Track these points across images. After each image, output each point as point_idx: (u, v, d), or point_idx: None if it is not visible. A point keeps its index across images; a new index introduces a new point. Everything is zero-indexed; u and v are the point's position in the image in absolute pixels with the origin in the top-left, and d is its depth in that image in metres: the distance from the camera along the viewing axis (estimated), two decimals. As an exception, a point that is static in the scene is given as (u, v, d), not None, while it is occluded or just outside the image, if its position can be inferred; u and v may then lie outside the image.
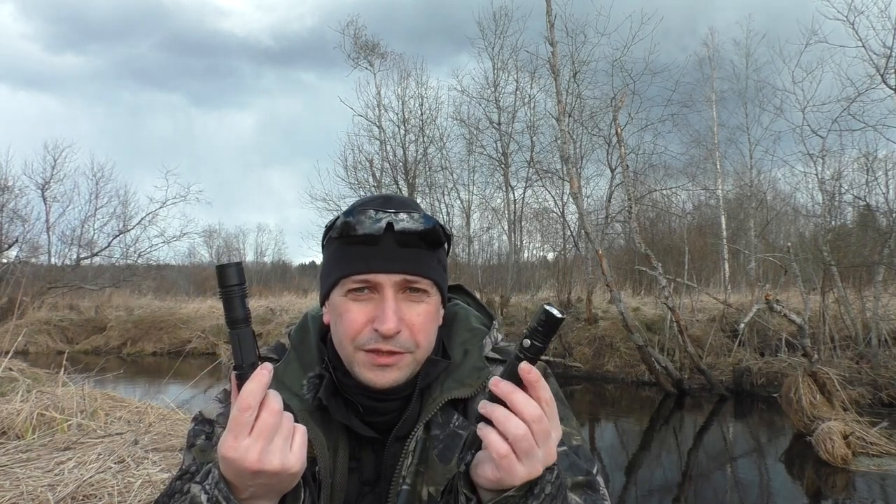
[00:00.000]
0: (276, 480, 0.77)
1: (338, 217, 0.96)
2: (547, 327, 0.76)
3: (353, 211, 0.95)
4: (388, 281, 0.93)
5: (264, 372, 0.76)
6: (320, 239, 1.04)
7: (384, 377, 0.94)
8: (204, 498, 0.78)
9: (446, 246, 1.02)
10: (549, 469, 0.79)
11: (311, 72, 62.49)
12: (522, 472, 0.75)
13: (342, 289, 0.95)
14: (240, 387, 0.76)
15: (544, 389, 0.76)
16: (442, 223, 0.98)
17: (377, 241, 0.92)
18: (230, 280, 0.78)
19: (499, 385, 0.76)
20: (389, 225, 0.92)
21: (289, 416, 0.79)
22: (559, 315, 0.75)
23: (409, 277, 0.94)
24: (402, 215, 0.93)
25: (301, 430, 0.80)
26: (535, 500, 0.78)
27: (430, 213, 0.98)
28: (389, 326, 0.91)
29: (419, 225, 0.93)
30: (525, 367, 0.75)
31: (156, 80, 65.58)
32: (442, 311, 1.04)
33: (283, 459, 0.75)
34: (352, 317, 0.94)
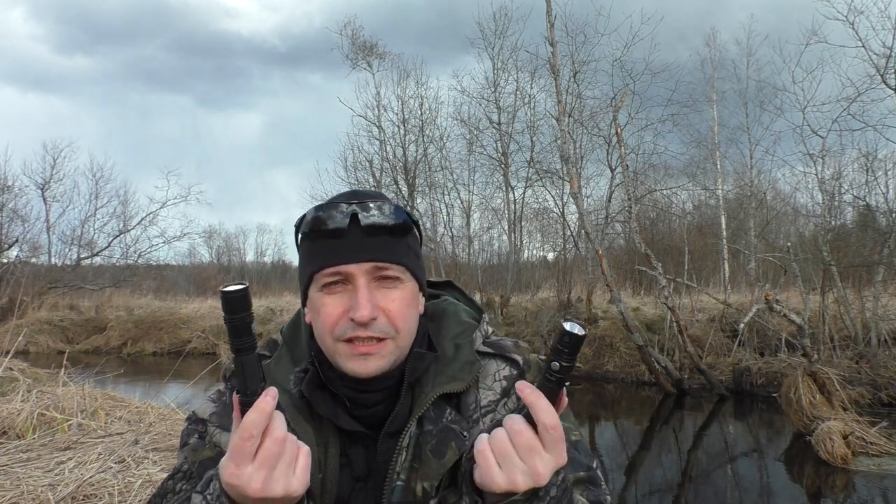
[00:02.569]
0: (279, 503, 0.77)
1: (305, 215, 0.97)
2: (571, 347, 0.76)
3: (319, 208, 0.96)
4: (358, 270, 0.93)
5: (268, 399, 0.76)
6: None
7: (366, 366, 0.94)
8: None
9: (418, 234, 1.03)
10: (555, 472, 0.80)
11: (316, 73, 62.40)
12: (499, 479, 0.77)
13: (317, 284, 0.96)
14: (243, 413, 0.76)
15: (553, 416, 0.78)
16: (407, 210, 0.99)
17: (344, 234, 0.93)
18: (238, 309, 0.76)
19: (524, 390, 0.78)
20: (354, 216, 0.93)
21: (292, 438, 0.79)
22: (581, 333, 0.75)
23: (379, 265, 0.94)
24: (367, 206, 0.95)
25: (305, 451, 0.80)
26: (540, 503, 0.79)
27: (399, 205, 0.99)
28: (363, 313, 0.91)
29: (384, 211, 0.95)
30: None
31: (164, 81, 65.49)
32: (422, 299, 1.04)
33: (287, 486, 0.76)
34: (328, 310, 0.94)
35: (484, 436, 0.81)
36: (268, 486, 0.75)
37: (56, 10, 58.81)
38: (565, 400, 0.80)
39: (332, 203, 0.96)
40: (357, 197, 0.97)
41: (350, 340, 0.93)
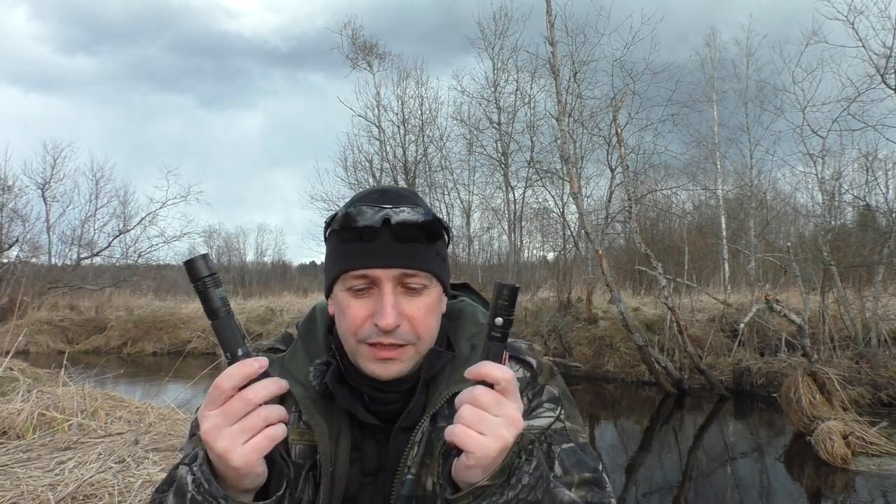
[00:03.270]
0: (221, 465, 0.76)
1: (337, 212, 0.97)
2: (510, 300, 0.82)
3: (351, 205, 0.95)
4: (385, 276, 0.93)
5: (251, 362, 0.77)
6: (321, 236, 1.04)
7: (387, 369, 0.95)
8: (189, 479, 0.80)
9: (446, 238, 1.02)
10: (526, 460, 0.80)
11: (318, 73, 62.54)
12: (488, 441, 0.76)
13: (343, 284, 0.96)
14: None
15: (504, 370, 0.80)
16: (440, 216, 0.99)
17: (375, 237, 0.93)
18: (200, 273, 0.77)
19: (470, 371, 0.81)
20: (386, 219, 0.92)
21: (266, 414, 0.77)
22: (516, 284, 0.81)
23: (407, 271, 0.94)
24: (400, 209, 0.93)
25: (269, 436, 0.77)
26: (513, 491, 0.79)
27: (430, 208, 0.98)
28: (388, 322, 0.91)
29: (416, 218, 0.93)
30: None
31: (166, 81, 65.80)
32: (445, 301, 1.05)
33: (229, 446, 0.75)
34: (353, 312, 0.95)
35: (449, 425, 0.80)
36: (214, 436, 0.75)
37: (59, 11, 59.02)
38: (506, 357, 0.83)
39: (364, 202, 0.95)
40: (389, 197, 0.96)
41: (372, 344, 0.94)
